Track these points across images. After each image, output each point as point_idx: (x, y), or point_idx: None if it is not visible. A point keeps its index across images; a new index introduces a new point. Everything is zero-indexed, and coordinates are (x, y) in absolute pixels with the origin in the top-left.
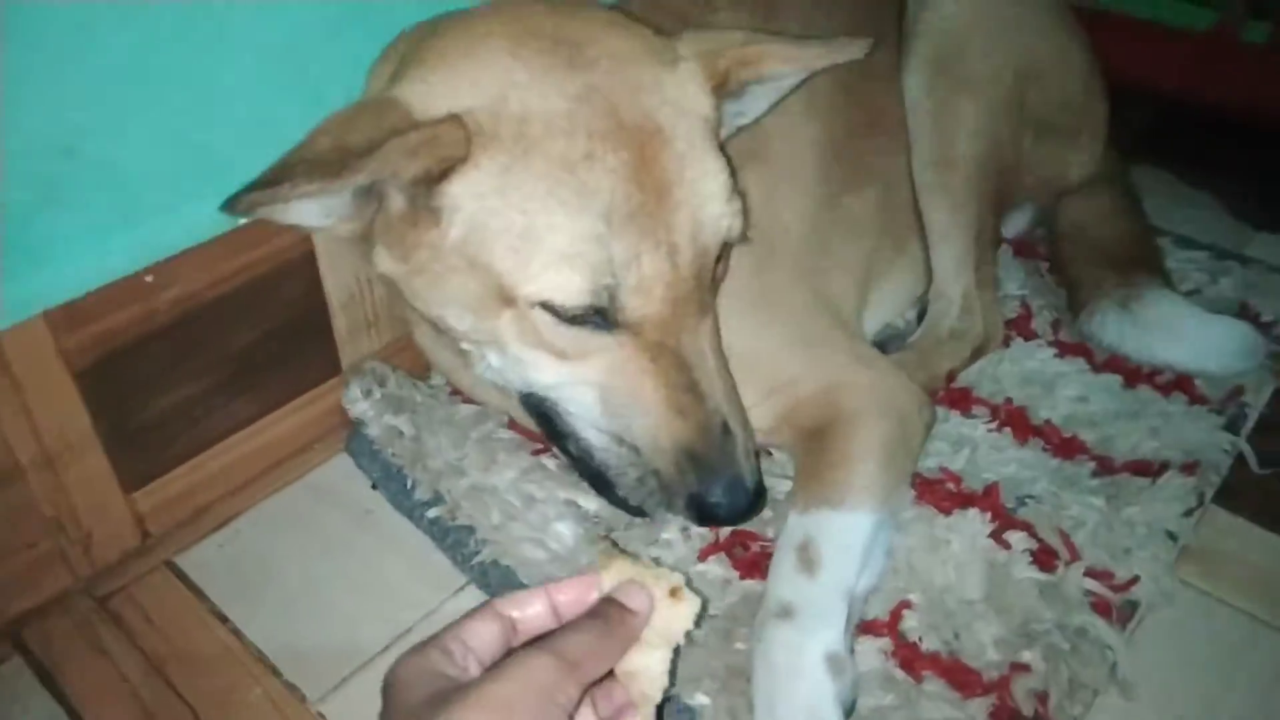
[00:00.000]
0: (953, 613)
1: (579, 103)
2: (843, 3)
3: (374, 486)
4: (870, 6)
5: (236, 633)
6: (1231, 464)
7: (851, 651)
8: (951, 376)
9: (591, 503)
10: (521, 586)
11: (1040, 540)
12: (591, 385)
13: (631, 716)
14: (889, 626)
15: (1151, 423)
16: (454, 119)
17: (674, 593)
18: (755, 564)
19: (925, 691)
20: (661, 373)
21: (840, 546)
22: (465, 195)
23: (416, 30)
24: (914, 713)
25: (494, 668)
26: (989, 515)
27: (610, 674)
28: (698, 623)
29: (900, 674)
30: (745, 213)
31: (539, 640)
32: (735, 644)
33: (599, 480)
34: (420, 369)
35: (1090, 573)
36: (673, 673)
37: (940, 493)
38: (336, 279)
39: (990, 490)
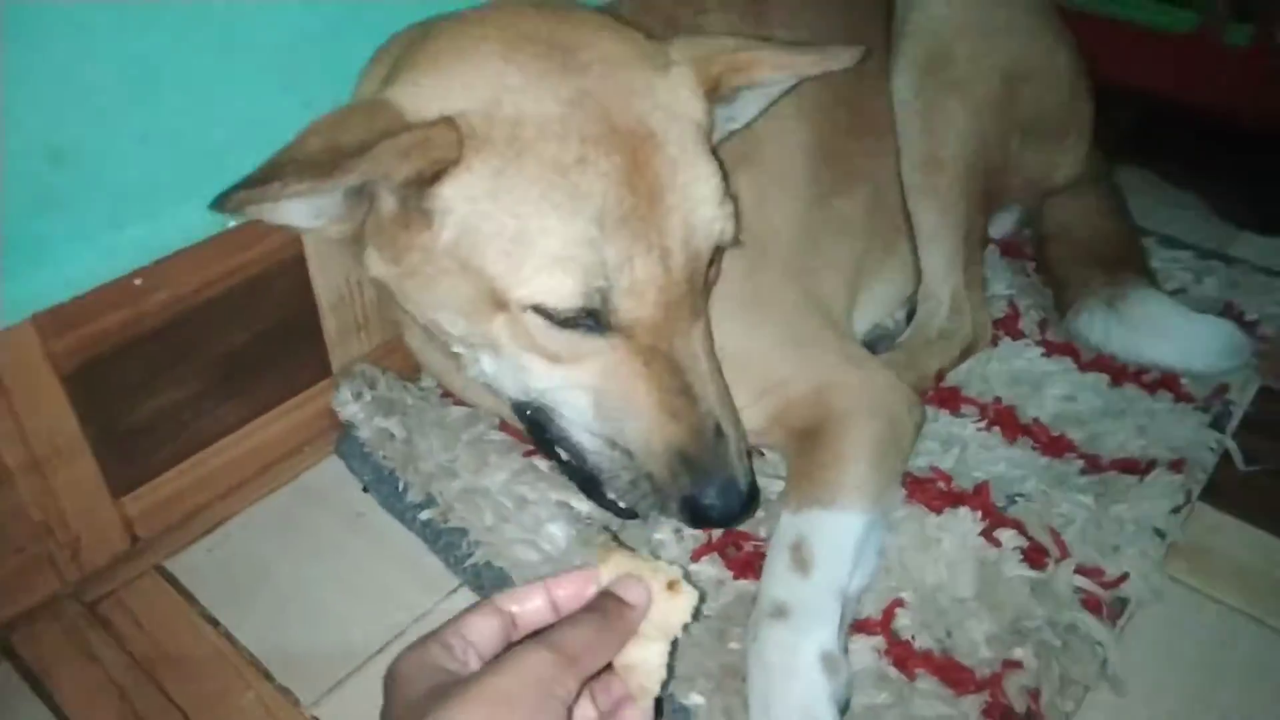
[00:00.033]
0: (945, 611)
1: (572, 107)
2: (832, 4)
3: (365, 489)
4: (859, 8)
5: (228, 637)
6: (1217, 461)
7: (845, 650)
8: (940, 376)
9: (584, 504)
10: None
11: (1030, 538)
12: (584, 389)
13: (630, 709)
14: (882, 625)
15: (1138, 421)
16: (446, 121)
17: (672, 586)
18: (749, 564)
19: (918, 689)
20: (654, 376)
21: (833, 546)
22: (457, 198)
23: (409, 33)
24: (907, 710)
25: (493, 662)
26: (979, 514)
27: (609, 667)
28: (695, 615)
29: (893, 672)
30: (737, 216)
31: (538, 634)
32: (730, 644)
33: (589, 483)
34: (411, 371)
35: (1080, 570)
36: (671, 665)
37: (931, 492)
38: (326, 281)
39: (980, 489)
